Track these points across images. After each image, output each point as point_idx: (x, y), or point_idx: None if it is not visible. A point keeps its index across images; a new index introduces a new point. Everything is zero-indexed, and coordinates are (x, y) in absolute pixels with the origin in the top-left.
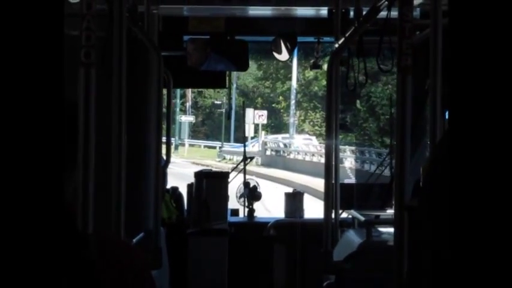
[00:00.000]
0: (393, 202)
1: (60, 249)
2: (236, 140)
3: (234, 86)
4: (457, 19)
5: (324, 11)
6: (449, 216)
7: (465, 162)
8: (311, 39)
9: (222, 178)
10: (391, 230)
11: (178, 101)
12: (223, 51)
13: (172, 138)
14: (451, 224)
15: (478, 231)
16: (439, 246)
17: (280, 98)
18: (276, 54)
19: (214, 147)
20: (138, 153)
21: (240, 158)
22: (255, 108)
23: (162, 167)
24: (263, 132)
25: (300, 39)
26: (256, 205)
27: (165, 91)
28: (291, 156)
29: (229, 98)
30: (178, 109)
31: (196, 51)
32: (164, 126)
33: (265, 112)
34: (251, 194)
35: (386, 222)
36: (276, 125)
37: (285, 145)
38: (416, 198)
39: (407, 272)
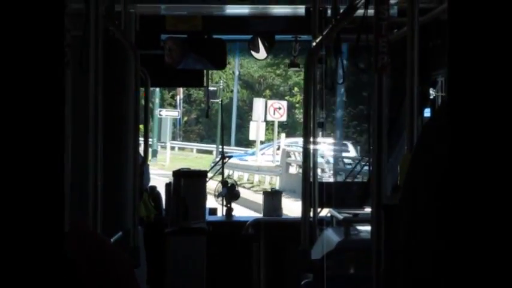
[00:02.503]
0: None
1: (36, 246)
2: (238, 143)
3: (237, 75)
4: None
5: (301, 10)
6: (424, 214)
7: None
8: (289, 37)
9: (200, 177)
10: (369, 228)
11: (157, 92)
12: (200, 50)
13: (150, 140)
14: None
15: (454, 227)
16: (412, 244)
17: (295, 89)
18: (253, 53)
19: (211, 152)
20: (116, 152)
21: (247, 173)
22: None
23: (139, 165)
24: (282, 135)
25: (277, 37)
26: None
27: (142, 90)
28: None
29: (207, 95)
30: (156, 101)
31: (173, 50)
32: (142, 125)
33: (283, 104)
34: (229, 193)
35: (364, 221)
36: (290, 124)
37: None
38: (393, 197)
39: (383, 269)
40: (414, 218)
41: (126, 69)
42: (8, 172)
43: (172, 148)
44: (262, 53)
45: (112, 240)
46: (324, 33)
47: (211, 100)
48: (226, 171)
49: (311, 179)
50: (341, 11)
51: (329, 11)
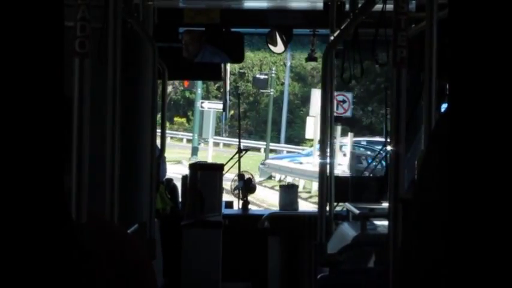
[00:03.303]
0: (388, 195)
1: (53, 238)
2: (288, 141)
3: (288, 66)
4: (457, 11)
5: (319, 4)
6: (439, 209)
7: (458, 154)
8: (306, 31)
9: (216, 170)
10: (386, 223)
11: (200, 86)
12: (218, 43)
13: (189, 135)
14: (441, 216)
15: (469, 224)
16: (427, 239)
17: (353, 82)
18: (271, 47)
19: (258, 149)
20: (133, 144)
21: (303, 180)
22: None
23: (156, 158)
24: (350, 134)
25: (295, 31)
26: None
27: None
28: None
29: (225, 92)
30: (199, 91)
31: (191, 43)
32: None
33: (349, 96)
34: (246, 186)
35: (380, 215)
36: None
37: None
38: (411, 191)
39: (399, 263)
40: (424, 215)
41: (144, 61)
42: (6, 168)
43: (216, 144)
44: (280, 47)
45: (128, 232)
46: (342, 27)
47: (261, 91)
48: (278, 176)
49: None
50: (359, 5)
51: (347, 5)
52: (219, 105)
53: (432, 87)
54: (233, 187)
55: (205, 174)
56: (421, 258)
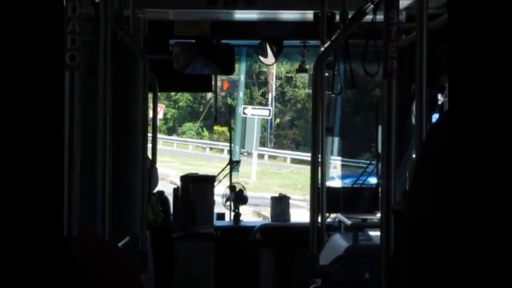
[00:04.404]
0: (380, 206)
1: (44, 252)
2: (343, 153)
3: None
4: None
5: (309, 15)
6: (432, 219)
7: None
8: (297, 42)
9: (208, 182)
10: (378, 233)
11: (241, 83)
12: (209, 55)
13: (224, 146)
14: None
15: (461, 232)
16: (420, 249)
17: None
18: (261, 58)
19: (307, 162)
20: (124, 156)
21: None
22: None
23: (147, 170)
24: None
25: (285, 42)
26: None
27: (150, 94)
28: None
29: (215, 101)
30: (240, 95)
31: (181, 55)
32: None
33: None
34: (237, 198)
35: (372, 226)
36: None
37: None
38: (403, 202)
39: (390, 273)
40: (417, 225)
41: (134, 74)
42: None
43: (261, 156)
44: (270, 58)
45: (120, 244)
46: (333, 38)
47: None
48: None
49: (319, 184)
50: (349, 16)
51: (337, 16)
52: (265, 112)
53: (423, 97)
54: (224, 199)
55: (197, 186)
56: (414, 269)
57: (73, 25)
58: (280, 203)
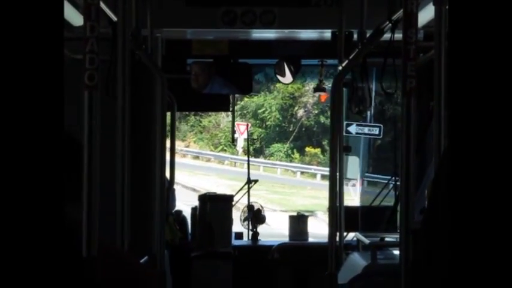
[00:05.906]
0: (398, 224)
1: (64, 272)
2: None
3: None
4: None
5: (327, 34)
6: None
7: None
8: (315, 62)
9: (226, 201)
10: (397, 252)
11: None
12: (226, 74)
13: (324, 170)
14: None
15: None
16: (434, 264)
17: None
18: (279, 77)
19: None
20: (142, 176)
21: None
22: None
23: (166, 189)
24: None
25: (303, 62)
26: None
27: (169, 114)
28: None
29: (233, 121)
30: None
31: (199, 75)
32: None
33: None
34: (255, 217)
35: (391, 245)
36: None
37: None
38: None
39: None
40: (434, 242)
41: (152, 93)
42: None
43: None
44: (288, 77)
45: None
46: (350, 57)
47: None
48: None
49: (337, 203)
50: (367, 35)
51: (355, 35)
52: (374, 129)
53: (441, 116)
54: (242, 218)
55: (215, 206)
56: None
57: (91, 45)
58: (298, 222)
